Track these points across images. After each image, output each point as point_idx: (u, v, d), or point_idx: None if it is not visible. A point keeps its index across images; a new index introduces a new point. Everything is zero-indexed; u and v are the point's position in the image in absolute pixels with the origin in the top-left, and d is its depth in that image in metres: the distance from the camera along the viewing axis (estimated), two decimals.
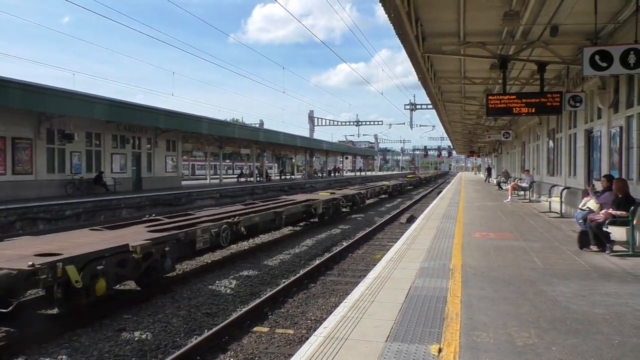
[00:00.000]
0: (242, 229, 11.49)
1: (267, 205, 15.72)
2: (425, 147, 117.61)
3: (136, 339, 6.54)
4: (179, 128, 28.69)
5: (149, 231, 9.14)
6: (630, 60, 7.30)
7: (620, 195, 8.30)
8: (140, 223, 10.62)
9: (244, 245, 13.58)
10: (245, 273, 10.23)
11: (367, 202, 26.78)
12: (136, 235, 8.60)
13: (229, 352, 6.21)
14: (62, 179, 22.44)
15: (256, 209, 14.29)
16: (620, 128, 10.03)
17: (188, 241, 9.43)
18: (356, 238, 14.63)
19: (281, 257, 11.96)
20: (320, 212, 17.29)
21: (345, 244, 13.74)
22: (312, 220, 18.04)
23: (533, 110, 10.20)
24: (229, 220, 11.28)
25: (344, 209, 20.81)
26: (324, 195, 20.82)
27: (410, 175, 63.22)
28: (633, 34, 7.56)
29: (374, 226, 17.36)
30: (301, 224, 17.94)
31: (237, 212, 12.72)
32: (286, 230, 16.36)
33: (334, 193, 21.85)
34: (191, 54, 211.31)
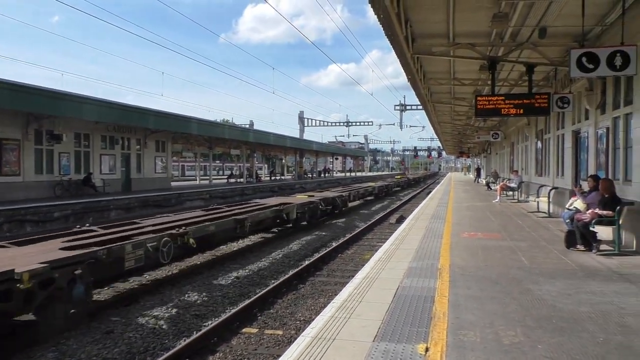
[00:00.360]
0: (191, 241, 9.85)
1: (232, 210, 14.27)
2: (415, 147, 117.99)
3: (124, 341, 6.50)
4: (168, 129, 28.56)
5: (62, 248, 7.49)
6: (617, 62, 7.38)
7: (606, 195, 8.39)
8: (60, 236, 8.82)
9: (234, 246, 13.54)
10: (234, 274, 10.21)
11: (352, 204, 25.72)
12: (40, 255, 6.89)
13: (217, 354, 6.19)
14: (51, 180, 22.25)
15: (214, 215, 12.76)
16: (607, 129, 10.14)
17: (113, 260, 7.68)
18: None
19: (271, 258, 11.94)
20: (295, 217, 15.92)
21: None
22: (287, 225, 16.49)
23: (521, 111, 10.25)
24: (174, 231, 9.62)
25: (323, 214, 19.21)
26: (301, 198, 19.36)
27: (399, 176, 63.25)
28: (619, 36, 7.64)
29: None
30: (276, 229, 16.40)
31: (188, 221, 11.16)
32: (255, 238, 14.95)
33: (312, 196, 20.31)
34: (181, 54, 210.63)
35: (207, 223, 11.30)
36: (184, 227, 10.08)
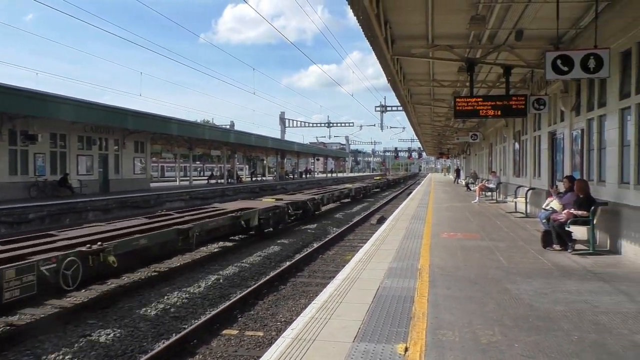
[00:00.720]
0: (112, 259, 8.02)
1: (182, 217, 12.50)
2: (395, 148, 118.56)
3: (102, 344, 6.41)
4: (147, 129, 28.25)
5: None
6: (590, 65, 7.53)
7: (581, 196, 8.56)
8: None
9: (214, 247, 13.43)
10: (214, 276, 10.14)
11: (327, 207, 24.49)
12: None
13: (197, 356, 6.15)
14: (26, 181, 21.83)
15: (150, 226, 10.83)
16: (582, 130, 10.34)
17: None
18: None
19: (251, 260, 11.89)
20: (256, 223, 14.17)
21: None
22: (252, 233, 14.68)
23: (499, 112, 10.40)
24: (84, 248, 7.80)
25: (292, 219, 17.96)
26: (267, 201, 17.66)
27: (378, 177, 63.44)
28: (593, 39, 7.80)
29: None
30: (240, 236, 14.71)
31: (115, 233, 9.50)
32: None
33: (280, 199, 18.53)
34: (160, 54, 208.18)
35: (136, 236, 9.33)
36: (99, 243, 8.15)
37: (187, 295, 8.69)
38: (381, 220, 18.26)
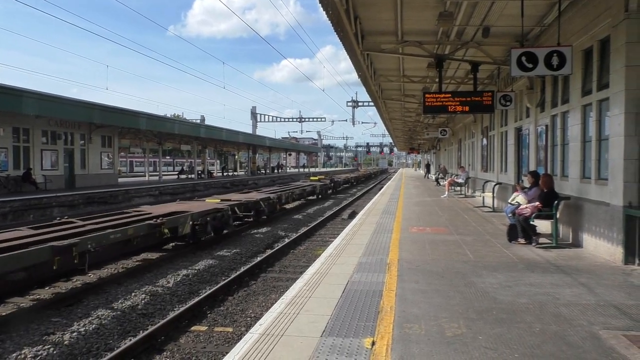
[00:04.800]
0: None
1: (84, 226, 9.64)
2: (367, 144, 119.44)
3: (65, 342, 6.26)
4: (115, 123, 27.64)
5: None
6: (554, 62, 7.70)
7: (545, 190, 8.78)
8: None
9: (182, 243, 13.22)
10: (184, 272, 10.02)
11: (291, 205, 22.79)
12: None
13: (165, 353, 6.08)
14: None
15: (20, 242, 7.83)
16: (546, 126, 10.58)
17: None
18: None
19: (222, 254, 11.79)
20: (188, 231, 11.71)
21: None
22: (178, 243, 12.56)
23: (467, 108, 10.55)
24: None
25: (244, 221, 16.20)
26: (209, 202, 15.21)
27: (347, 173, 62.91)
28: (557, 37, 7.99)
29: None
30: (172, 244, 12.64)
31: None
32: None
33: (227, 200, 16.02)
34: (126, 47, 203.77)
35: None
36: None
37: (155, 292, 8.55)
38: (352, 215, 18.36)
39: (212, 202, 15.52)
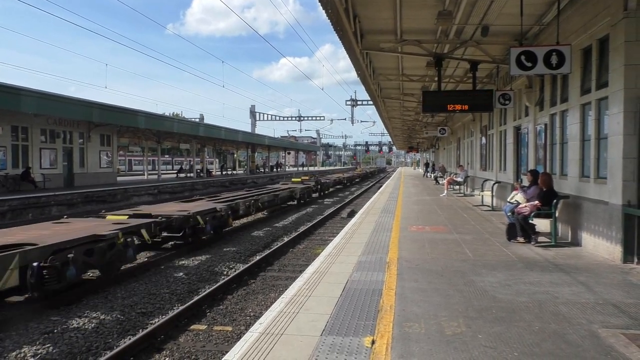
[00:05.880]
0: None
1: None
2: (366, 142, 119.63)
3: (65, 341, 6.26)
4: (114, 122, 27.61)
5: None
6: (553, 61, 7.71)
7: (544, 189, 8.79)
8: None
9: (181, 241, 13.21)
10: (182, 271, 10.01)
11: (257, 216, 18.38)
12: None
13: (164, 352, 6.07)
14: None
15: None
16: (545, 125, 10.60)
17: None
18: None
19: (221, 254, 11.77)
20: (33, 280, 6.97)
21: None
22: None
23: (466, 107, 10.56)
24: None
25: (162, 244, 11.95)
26: (114, 218, 10.55)
27: (340, 174, 62.39)
28: (555, 35, 7.99)
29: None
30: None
31: None
32: None
33: (151, 215, 10.86)
34: (125, 45, 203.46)
35: None
36: None
37: (154, 291, 8.55)
38: (351, 214, 18.36)
39: (117, 217, 10.69)
